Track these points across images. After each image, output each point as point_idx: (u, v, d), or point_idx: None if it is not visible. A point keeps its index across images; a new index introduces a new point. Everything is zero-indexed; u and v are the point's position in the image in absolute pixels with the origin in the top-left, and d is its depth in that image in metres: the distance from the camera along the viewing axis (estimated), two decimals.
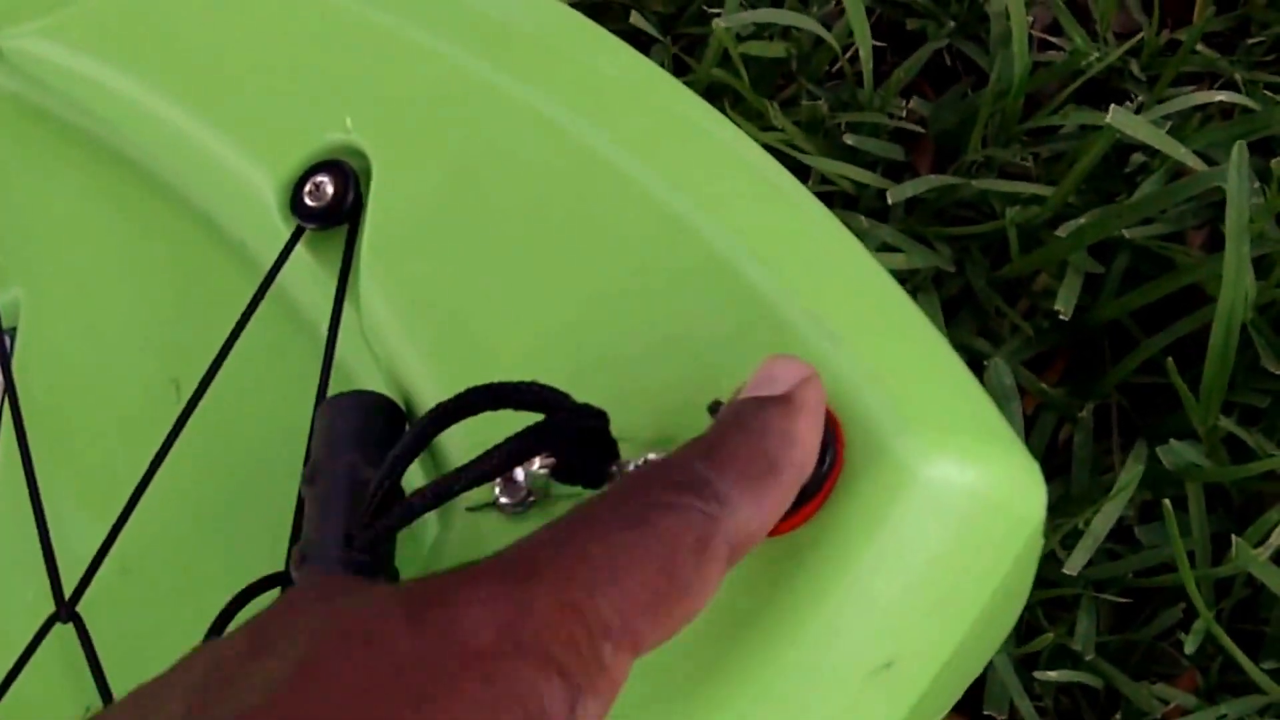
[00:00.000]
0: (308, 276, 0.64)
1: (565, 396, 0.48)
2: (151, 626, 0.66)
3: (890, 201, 0.95)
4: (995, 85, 1.00)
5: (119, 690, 0.62)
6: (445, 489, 0.45)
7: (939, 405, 0.50)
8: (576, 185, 0.57)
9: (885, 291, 0.55)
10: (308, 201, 0.63)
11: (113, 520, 0.63)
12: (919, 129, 1.05)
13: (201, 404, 0.63)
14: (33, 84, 0.79)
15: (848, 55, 1.07)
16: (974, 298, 0.97)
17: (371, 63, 0.64)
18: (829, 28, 1.07)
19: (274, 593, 0.58)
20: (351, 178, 0.62)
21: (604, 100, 0.60)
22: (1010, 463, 0.51)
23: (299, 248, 0.63)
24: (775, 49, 1.06)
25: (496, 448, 0.46)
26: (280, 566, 0.59)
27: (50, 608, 0.64)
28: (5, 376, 0.72)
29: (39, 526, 0.66)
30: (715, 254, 0.53)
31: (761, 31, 1.07)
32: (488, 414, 0.47)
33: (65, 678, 0.66)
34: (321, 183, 0.62)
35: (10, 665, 0.64)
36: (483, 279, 0.57)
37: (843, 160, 1.01)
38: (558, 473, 0.50)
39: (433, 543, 0.56)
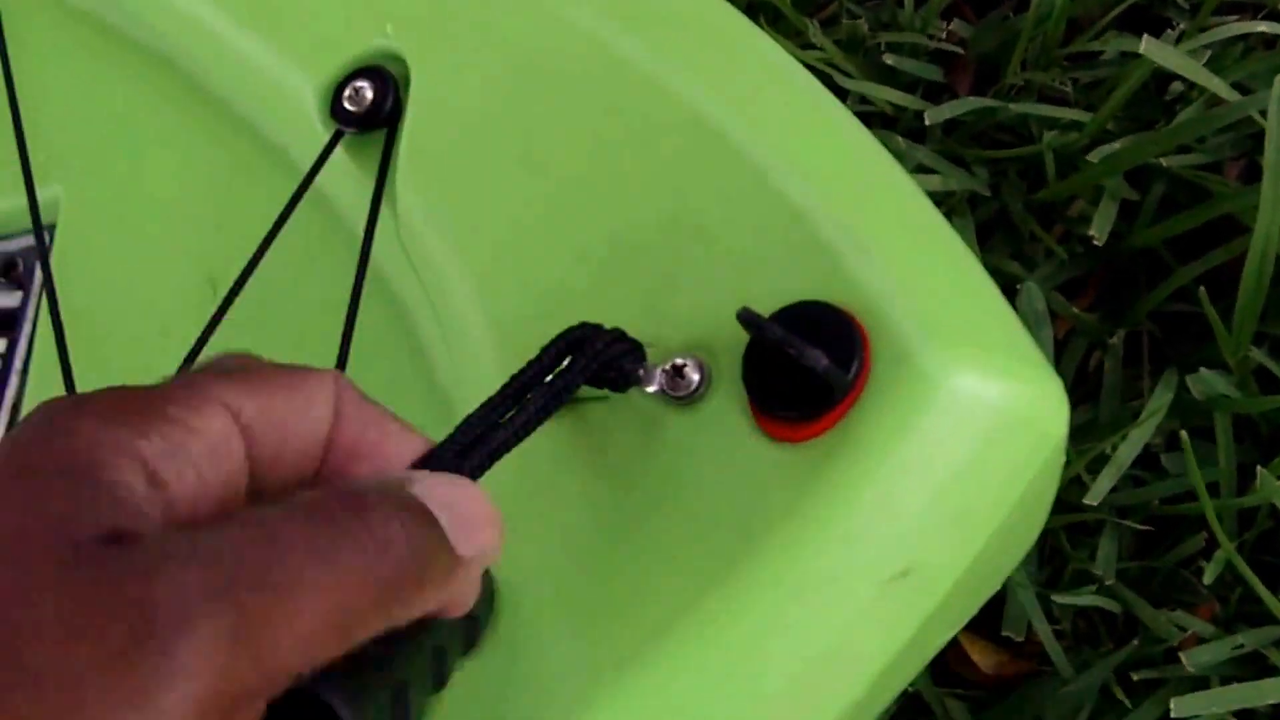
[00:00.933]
0: (345, 180, 0.65)
1: (598, 328, 0.50)
2: None
3: (928, 123, 0.95)
4: (1037, 9, 1.00)
5: None
6: (513, 433, 0.47)
7: (966, 320, 0.51)
8: (613, 95, 0.57)
9: (918, 209, 0.55)
10: (347, 106, 0.63)
11: None
12: (959, 50, 1.05)
13: (237, 303, 0.64)
14: None
15: None
16: (1009, 221, 0.97)
17: None
18: None
19: None
20: (391, 83, 0.63)
21: (643, 12, 0.60)
22: (1034, 379, 0.51)
23: (337, 151, 0.64)
24: None
25: (545, 386, 0.48)
26: None
27: None
28: (44, 272, 0.73)
29: None
30: (750, 164, 0.54)
31: None
32: None
33: None
34: (361, 88, 0.63)
35: None
36: (518, 187, 0.58)
37: (881, 80, 1.01)
38: (588, 379, 0.51)
39: None
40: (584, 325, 0.50)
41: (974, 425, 0.48)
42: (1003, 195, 0.97)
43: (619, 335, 0.51)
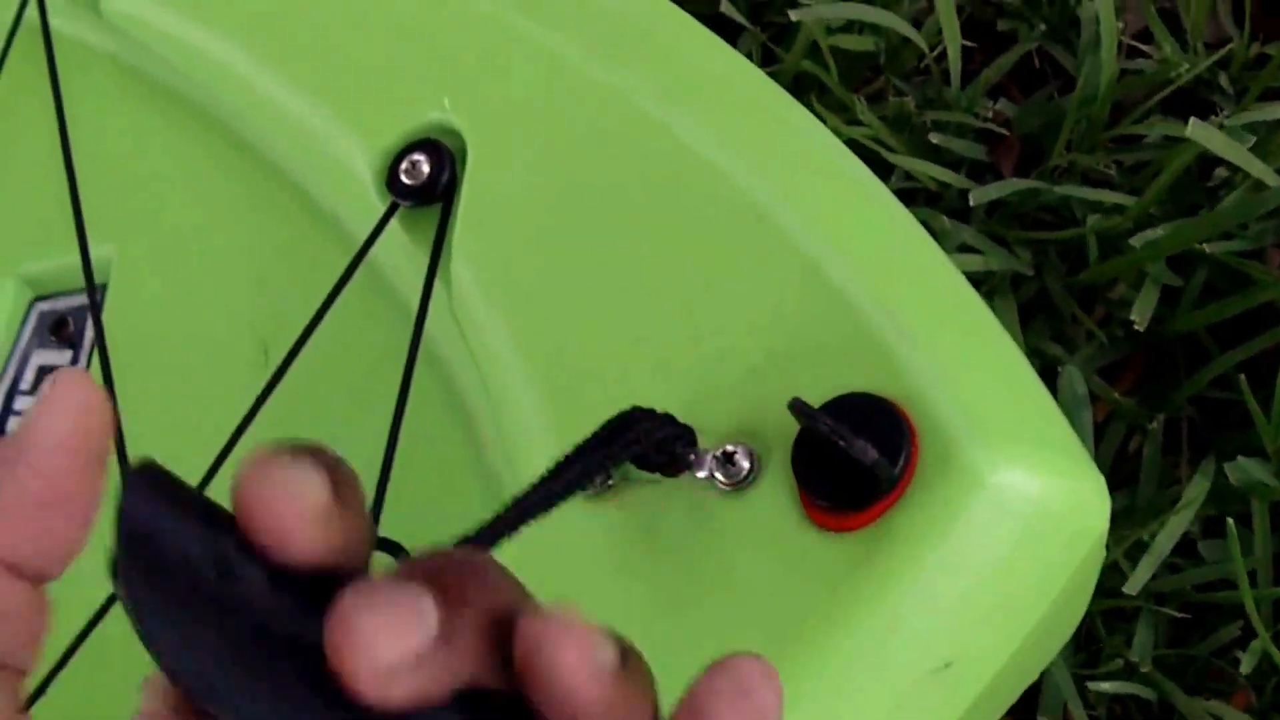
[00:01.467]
0: (399, 252, 0.65)
1: (650, 412, 0.51)
2: None
3: (972, 203, 0.95)
4: (1082, 91, 1.00)
5: None
6: (544, 499, 0.47)
7: (1010, 414, 0.51)
8: (668, 177, 0.58)
9: (960, 294, 0.56)
10: (403, 179, 0.64)
11: (195, 476, 0.65)
12: (1003, 131, 1.05)
13: (289, 370, 0.64)
14: (131, 45, 0.81)
15: (935, 53, 1.07)
16: (1050, 302, 0.97)
17: (471, 45, 0.65)
18: (918, 24, 1.07)
19: None
20: (448, 158, 0.63)
21: (696, 93, 0.61)
22: (1077, 475, 0.52)
23: (392, 224, 0.65)
24: (863, 43, 1.07)
25: (585, 454, 0.48)
26: None
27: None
28: (97, 331, 0.74)
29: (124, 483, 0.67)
30: (797, 249, 0.54)
31: (850, 25, 1.08)
32: None
33: (127, 646, 0.68)
34: (418, 161, 0.64)
35: (70, 631, 0.66)
36: (572, 265, 0.59)
37: (926, 157, 1.01)
38: (639, 461, 0.51)
39: None
40: (636, 409, 0.51)
41: (1017, 520, 0.49)
42: (1044, 276, 0.97)
43: (670, 419, 0.51)
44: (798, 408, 0.49)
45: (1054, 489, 0.50)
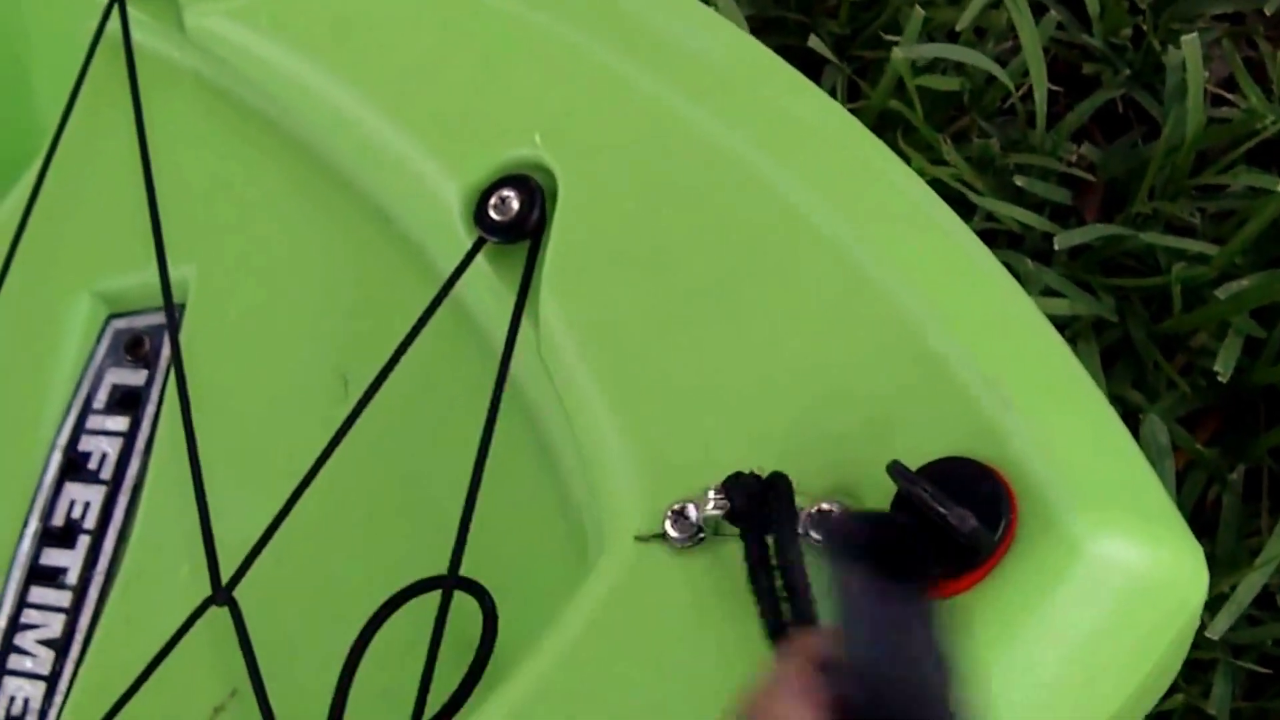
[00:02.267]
0: (485, 289, 0.65)
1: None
2: (299, 615, 0.67)
3: (1057, 247, 0.94)
4: (1167, 139, 0.99)
5: (268, 674, 0.63)
6: None
7: (1109, 480, 0.50)
8: (761, 225, 0.58)
9: (1053, 350, 0.55)
10: (492, 215, 0.63)
11: (269, 504, 0.64)
12: (1087, 175, 1.04)
13: (369, 404, 0.64)
14: (215, 64, 0.81)
15: (1020, 94, 1.06)
16: (1133, 349, 0.96)
17: (565, 82, 0.65)
18: (1004, 65, 1.06)
19: (434, 595, 0.59)
20: (538, 195, 0.63)
21: (792, 142, 0.60)
22: (1175, 545, 0.51)
23: (478, 259, 0.64)
24: (949, 83, 1.06)
25: None
26: (434, 570, 0.60)
27: (203, 587, 0.65)
28: (174, 353, 0.74)
29: (200, 508, 0.67)
30: (894, 307, 0.54)
31: (936, 64, 1.07)
32: None
33: (210, 658, 0.67)
34: (507, 197, 0.63)
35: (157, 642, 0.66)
36: (663, 312, 0.58)
37: (1009, 199, 1.00)
38: (732, 516, 0.51)
39: (596, 567, 0.57)
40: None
41: (1115, 591, 0.48)
42: (1127, 323, 0.96)
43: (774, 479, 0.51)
44: (897, 471, 0.48)
45: (1154, 560, 0.49)
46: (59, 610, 0.76)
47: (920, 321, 0.53)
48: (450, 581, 0.59)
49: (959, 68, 1.08)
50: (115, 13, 0.86)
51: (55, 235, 0.86)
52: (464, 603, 0.59)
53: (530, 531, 0.63)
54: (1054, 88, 1.05)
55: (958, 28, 1.06)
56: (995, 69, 1.04)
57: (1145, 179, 0.99)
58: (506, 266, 0.64)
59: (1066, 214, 1.04)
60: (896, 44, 1.04)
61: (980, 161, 1.03)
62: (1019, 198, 1.02)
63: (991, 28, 1.10)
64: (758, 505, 0.50)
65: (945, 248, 0.57)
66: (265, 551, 0.64)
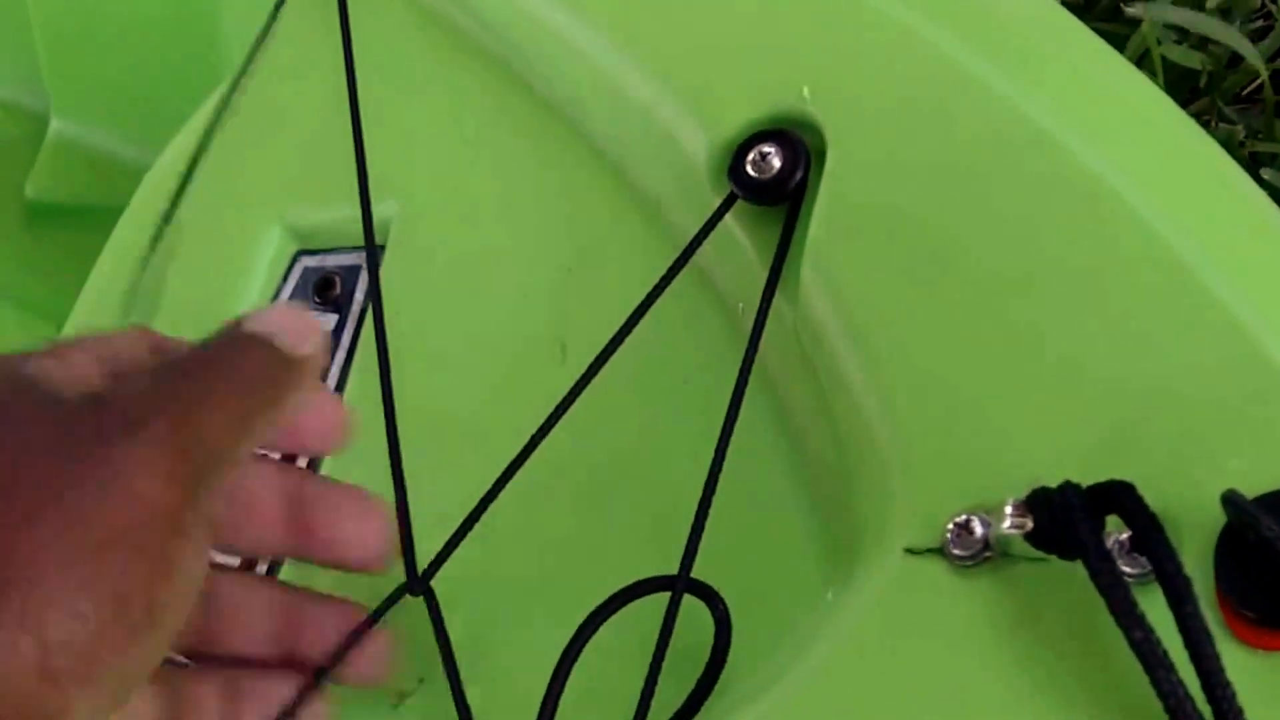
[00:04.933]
0: (732, 254, 0.59)
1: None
2: (502, 606, 0.62)
3: None
4: None
5: (465, 667, 0.58)
6: None
7: None
8: (1067, 206, 0.51)
9: None
10: (749, 171, 0.57)
11: (467, 481, 0.58)
12: None
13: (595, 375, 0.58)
14: None
15: (1269, 77, 0.99)
16: None
17: (841, 32, 0.58)
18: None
19: (661, 597, 0.53)
20: (803, 154, 0.56)
21: (1101, 115, 0.53)
22: None
23: (729, 220, 0.58)
24: (1191, 59, 0.99)
25: None
26: (659, 567, 0.54)
27: (398, 571, 0.59)
28: (375, 302, 0.68)
29: (395, 484, 0.62)
30: (1225, 309, 0.47)
31: (1180, 37, 1.00)
32: None
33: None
34: (768, 154, 0.56)
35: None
36: (945, 295, 0.51)
37: None
38: (1033, 536, 0.44)
39: (855, 577, 0.51)
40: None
41: None
42: None
43: (1081, 493, 0.44)
44: (1235, 502, 0.42)
45: None
46: None
47: (1259, 328, 0.46)
48: (681, 583, 0.53)
49: (1202, 45, 1.01)
50: None
51: (250, 161, 0.81)
52: (688, 605, 0.53)
53: (769, 530, 0.56)
54: None
55: (1207, 4, 0.99)
56: (1247, 47, 0.96)
57: None
58: (760, 231, 0.58)
59: None
60: (1136, 17, 0.97)
61: (1222, 148, 0.96)
62: (1262, 184, 0.95)
63: (1239, 5, 1.02)
64: (1070, 528, 0.43)
65: (1277, 243, 0.51)
66: (464, 545, 0.58)
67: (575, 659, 0.53)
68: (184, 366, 0.47)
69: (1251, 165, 0.94)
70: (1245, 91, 1.01)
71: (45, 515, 0.40)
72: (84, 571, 0.40)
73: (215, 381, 0.47)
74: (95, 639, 0.40)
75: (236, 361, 0.48)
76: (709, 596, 0.53)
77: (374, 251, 0.70)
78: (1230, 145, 0.95)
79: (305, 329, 0.51)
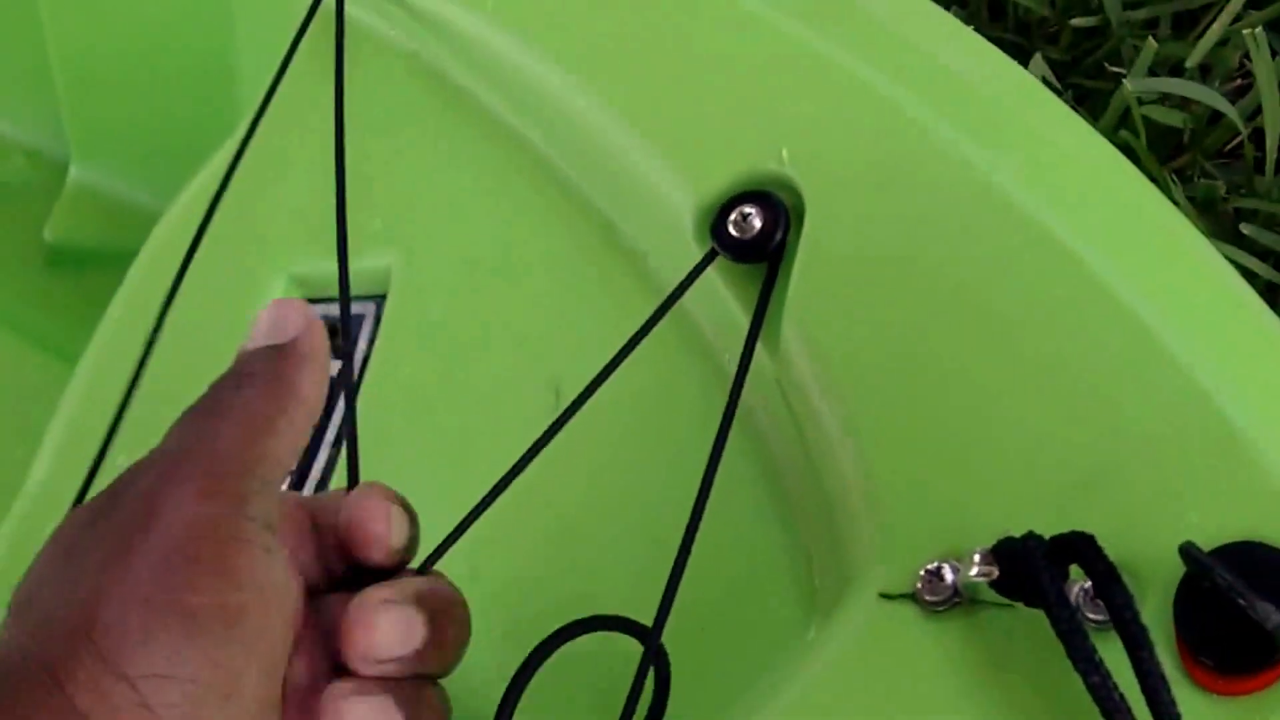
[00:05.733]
0: (715, 307, 0.61)
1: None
2: (493, 635, 0.64)
3: None
4: None
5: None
6: None
7: None
8: (1027, 266, 0.53)
9: None
10: (731, 230, 0.59)
11: (464, 515, 0.60)
12: None
13: (582, 416, 0.60)
14: (438, 46, 0.78)
15: (1248, 131, 1.01)
16: None
17: (817, 97, 0.60)
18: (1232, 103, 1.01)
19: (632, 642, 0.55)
20: (783, 215, 0.58)
21: (1063, 181, 0.55)
22: None
23: (712, 274, 0.60)
24: (1172, 117, 1.01)
25: None
26: (641, 608, 0.56)
27: None
28: (345, 361, 0.70)
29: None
30: (1181, 369, 0.49)
31: (1162, 97, 1.02)
32: None
33: None
34: (749, 214, 0.59)
35: None
36: (919, 351, 0.54)
37: (1232, 243, 0.96)
38: (999, 584, 0.47)
39: (831, 620, 0.53)
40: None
41: None
42: None
43: (1044, 544, 0.46)
44: (1193, 555, 0.44)
45: None
46: None
47: (1216, 387, 0.48)
48: (607, 622, 0.55)
49: (1183, 104, 1.03)
50: None
51: (256, 213, 0.83)
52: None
53: (746, 572, 0.59)
54: None
55: (1187, 64, 1.01)
56: (1227, 107, 0.99)
57: None
58: (740, 286, 0.60)
59: None
60: (1120, 74, 1.00)
61: (1204, 204, 0.98)
62: (1241, 243, 0.97)
63: (1219, 64, 1.05)
64: (1033, 576, 0.46)
65: (1235, 305, 0.53)
66: (461, 568, 0.60)
67: (521, 691, 0.54)
68: (194, 404, 0.49)
69: (1234, 220, 0.96)
70: (1227, 147, 1.04)
71: (110, 568, 0.43)
72: (150, 596, 0.43)
73: (220, 396, 0.49)
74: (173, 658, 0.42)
75: (238, 372, 0.50)
76: (643, 637, 0.54)
77: (347, 304, 0.71)
78: (1212, 201, 0.97)
79: (286, 314, 0.52)
